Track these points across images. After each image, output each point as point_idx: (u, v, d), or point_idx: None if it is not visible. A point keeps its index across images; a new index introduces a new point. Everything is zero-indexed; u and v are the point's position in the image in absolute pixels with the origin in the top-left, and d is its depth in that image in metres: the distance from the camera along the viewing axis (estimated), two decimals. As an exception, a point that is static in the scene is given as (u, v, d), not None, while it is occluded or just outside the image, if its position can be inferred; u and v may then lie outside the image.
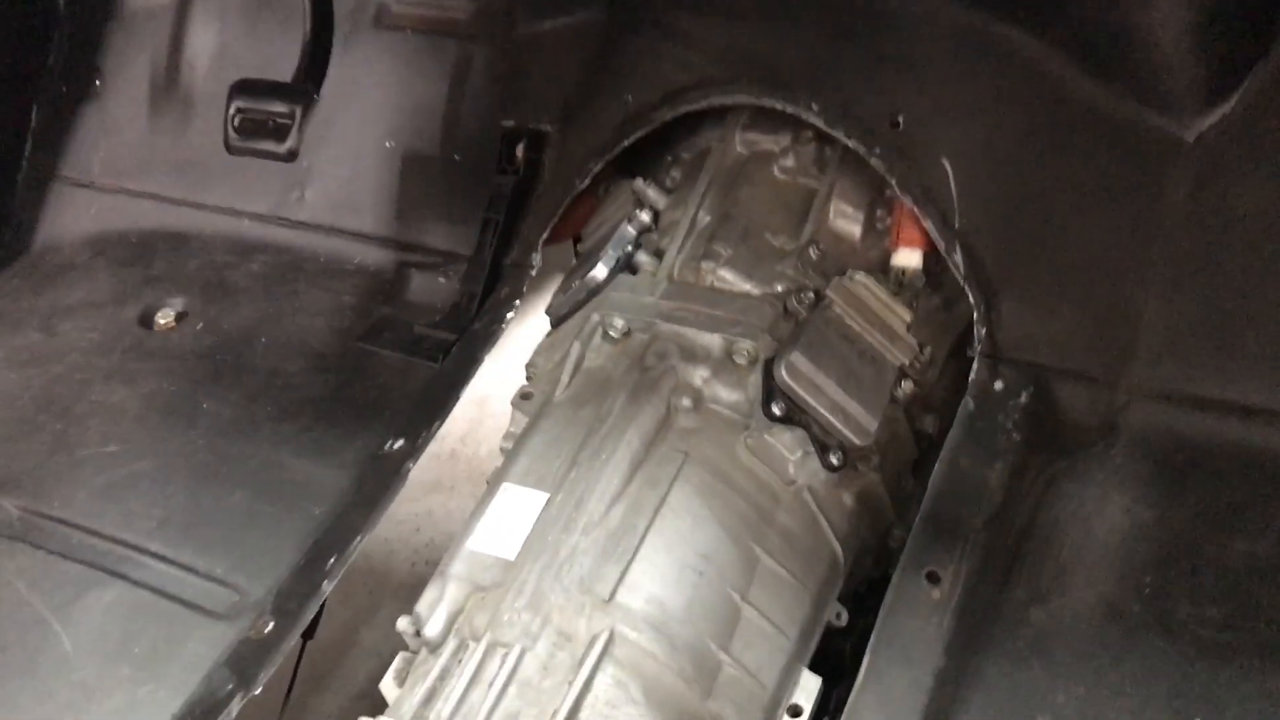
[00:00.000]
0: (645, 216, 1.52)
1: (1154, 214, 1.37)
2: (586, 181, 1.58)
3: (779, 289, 1.40)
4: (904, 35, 1.43)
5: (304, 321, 1.77)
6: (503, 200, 1.72)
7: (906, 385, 1.42)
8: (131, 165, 2.05)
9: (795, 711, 1.24)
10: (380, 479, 1.47)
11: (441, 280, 1.78)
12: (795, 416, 1.33)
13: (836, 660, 1.37)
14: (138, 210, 2.03)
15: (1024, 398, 1.36)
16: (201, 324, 1.80)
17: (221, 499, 1.52)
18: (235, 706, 1.26)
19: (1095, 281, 1.38)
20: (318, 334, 1.75)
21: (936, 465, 1.31)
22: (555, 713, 1.10)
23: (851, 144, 1.40)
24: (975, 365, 1.38)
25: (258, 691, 1.28)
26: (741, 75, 1.46)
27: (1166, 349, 1.35)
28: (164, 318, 1.84)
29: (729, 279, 1.42)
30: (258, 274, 1.87)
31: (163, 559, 1.45)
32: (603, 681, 1.13)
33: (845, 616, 1.34)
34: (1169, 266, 1.36)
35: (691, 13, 1.55)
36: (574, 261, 1.68)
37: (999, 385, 1.36)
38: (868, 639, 1.37)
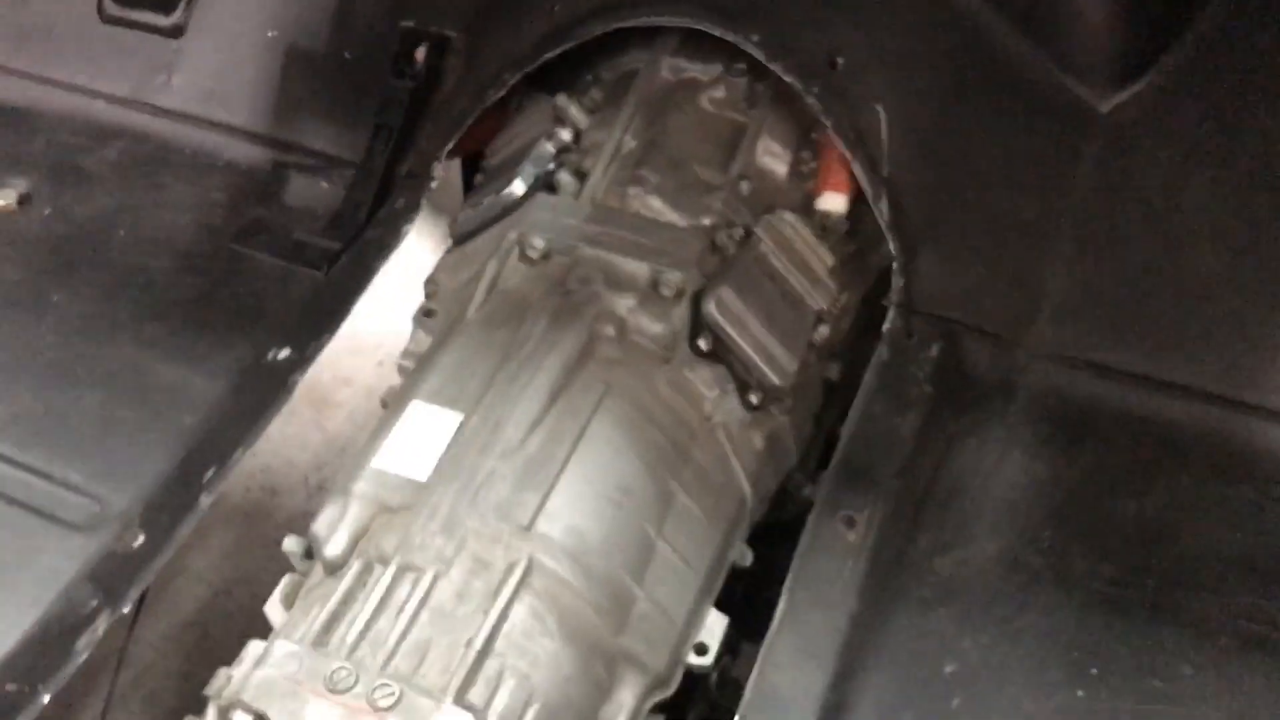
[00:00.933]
0: (566, 134, 1.46)
1: (1065, 181, 1.41)
2: (501, 92, 1.50)
3: (707, 222, 1.37)
4: None
5: (168, 217, 1.63)
6: (398, 106, 1.61)
7: (822, 330, 1.41)
8: (-39, 31, 1.83)
9: (701, 650, 1.22)
10: (262, 389, 1.37)
11: (324, 185, 1.66)
12: (719, 353, 1.30)
13: (730, 600, 1.37)
14: (-33, 80, 1.82)
15: (935, 351, 1.37)
16: (49, 210, 1.63)
17: (76, 401, 1.38)
18: (101, 624, 1.15)
19: (1007, 242, 1.41)
20: (184, 231, 1.61)
21: (851, 411, 1.31)
22: (470, 642, 1.04)
23: (789, 80, 1.37)
24: (890, 315, 1.38)
25: (126, 610, 1.17)
26: None
27: (1067, 314, 1.39)
28: (3, 199, 1.65)
29: (656, 207, 1.37)
30: (115, 161, 1.70)
31: (10, 461, 1.31)
32: (519, 611, 1.08)
33: (750, 557, 1.33)
34: (1075, 234, 1.40)
35: None
36: (478, 178, 1.59)
37: (912, 336, 1.37)
38: (762, 579, 1.38)
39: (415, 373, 1.30)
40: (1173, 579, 1.22)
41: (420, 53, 1.63)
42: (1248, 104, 1.38)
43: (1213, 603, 1.20)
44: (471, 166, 1.75)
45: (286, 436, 2.47)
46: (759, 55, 1.38)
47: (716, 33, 1.39)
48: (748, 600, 1.41)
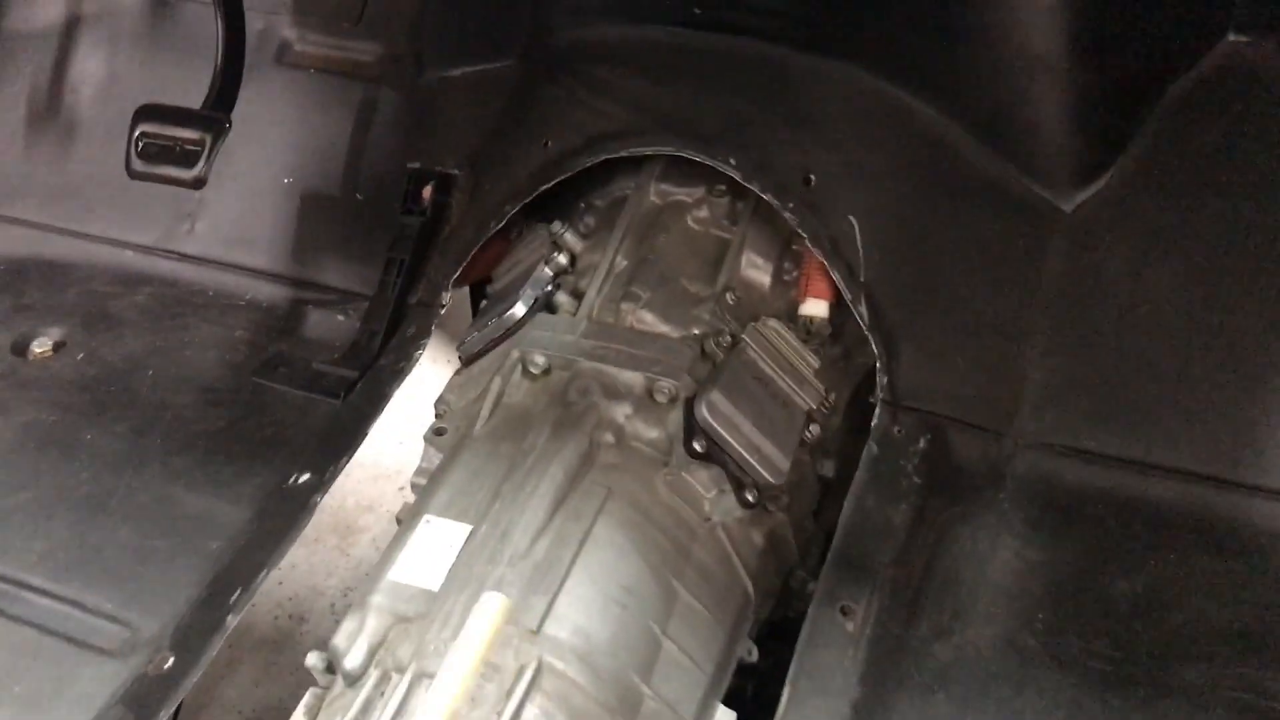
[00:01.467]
0: (562, 259, 1.55)
1: (1035, 277, 1.48)
2: (502, 224, 1.60)
3: (696, 332, 1.45)
4: (818, 99, 1.51)
5: (194, 355, 1.72)
6: (408, 240, 1.71)
7: (814, 429, 1.47)
8: (4, 191, 1.96)
9: (711, 746, 1.25)
10: (284, 512, 1.43)
11: (340, 318, 1.76)
12: (714, 454, 1.36)
13: (739, 698, 1.40)
14: (8, 237, 1.94)
15: (922, 444, 1.43)
16: (82, 354, 1.72)
17: (109, 533, 1.45)
18: None
19: (984, 338, 1.47)
20: (209, 368, 1.70)
21: (845, 504, 1.37)
22: (484, 745, 1.08)
23: (767, 198, 1.46)
24: (878, 411, 1.44)
25: (158, 729, 1.22)
26: (663, 127, 1.52)
27: (1047, 404, 1.44)
28: (40, 346, 1.75)
29: (648, 320, 1.46)
30: (143, 306, 1.81)
31: (46, 594, 1.37)
32: (530, 713, 1.12)
33: (755, 653, 1.37)
34: (1048, 326, 1.46)
35: (612, 66, 1.60)
36: (483, 304, 1.69)
37: (899, 431, 1.43)
38: (770, 677, 1.42)
39: (427, 488, 1.37)
40: (1166, 653, 1.25)
41: (428, 191, 1.74)
42: (1201, 195, 1.45)
43: (1206, 675, 1.23)
44: (477, 293, 1.84)
45: (313, 565, 2.53)
46: (736, 176, 1.48)
47: (697, 159, 1.49)
48: (757, 699, 1.44)
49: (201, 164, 1.53)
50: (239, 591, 1.34)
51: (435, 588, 1.21)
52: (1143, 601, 1.30)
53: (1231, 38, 1.48)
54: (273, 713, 2.23)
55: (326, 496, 1.47)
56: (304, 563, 2.52)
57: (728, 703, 1.31)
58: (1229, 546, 1.34)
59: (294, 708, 2.31)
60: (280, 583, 2.49)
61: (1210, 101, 1.48)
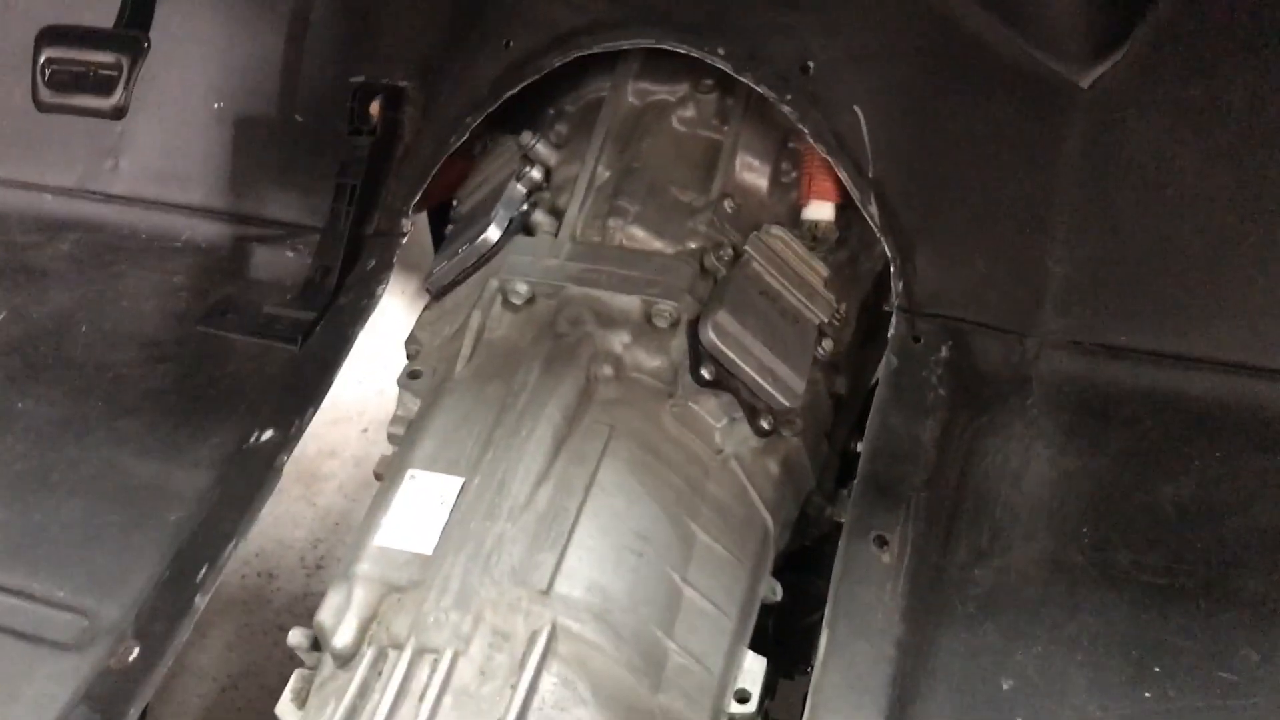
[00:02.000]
0: (536, 173, 1.40)
1: (1054, 162, 1.36)
2: (464, 138, 1.44)
3: (693, 246, 1.31)
4: None
5: (131, 306, 1.55)
6: (358, 164, 1.55)
7: (827, 344, 1.35)
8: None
9: (743, 697, 1.15)
10: (249, 475, 1.30)
11: (290, 255, 1.60)
12: (723, 380, 1.24)
13: (760, 637, 1.30)
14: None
15: (945, 352, 1.32)
16: (4, 313, 1.55)
17: (53, 511, 1.31)
18: None
19: (1003, 232, 1.36)
20: (149, 319, 1.54)
21: (868, 425, 1.26)
22: (500, 721, 0.97)
23: (761, 90, 1.32)
24: (894, 320, 1.33)
25: (132, 729, 1.09)
26: (640, 17, 1.36)
27: (1072, 298, 1.34)
28: (-45, 308, 1.58)
29: (639, 237, 1.32)
30: (69, 255, 1.63)
31: None
32: (548, 682, 1.01)
33: (780, 591, 1.26)
34: (1069, 215, 1.36)
35: None
36: (449, 229, 1.53)
37: (919, 340, 1.32)
38: (790, 610, 1.32)
39: (407, 439, 1.24)
40: (1222, 560, 1.17)
41: (375, 106, 1.58)
42: (1229, 60, 1.34)
43: (1266, 582, 1.15)
44: (440, 218, 1.69)
45: (277, 517, 2.40)
46: (727, 68, 1.33)
47: (681, 50, 1.34)
48: (779, 634, 1.35)
49: (120, 90, 1.36)
50: (205, 568, 1.21)
51: (429, 551, 1.09)
52: (1192, 507, 1.21)
53: (1256, -119, 1.36)
54: (249, 678, 2.11)
55: (287, 447, 1.33)
56: (268, 515, 2.34)
57: (752, 646, 1.22)
58: (1277, 440, 1.25)
59: (271, 670, 2.19)
60: (245, 540, 2.36)
61: (1233, -43, 1.36)
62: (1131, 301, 1.33)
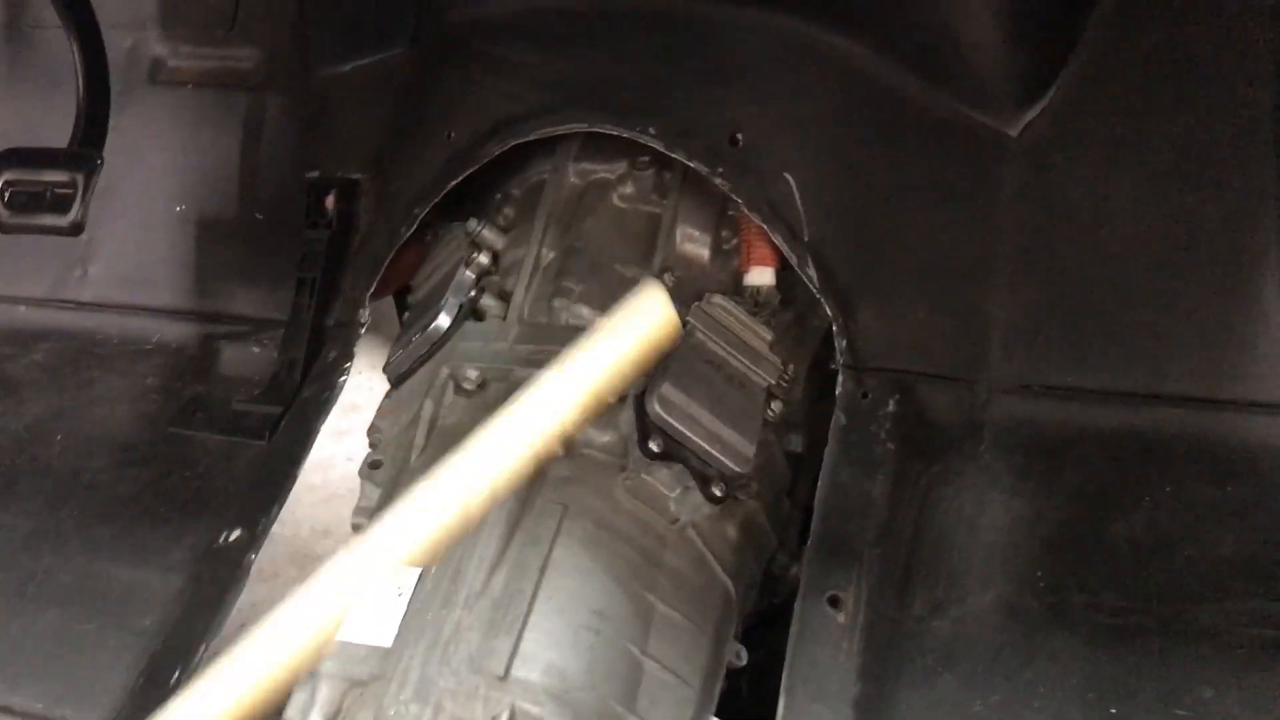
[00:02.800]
0: (483, 259, 1.43)
1: (990, 210, 1.39)
2: (413, 228, 1.48)
3: (637, 321, 1.34)
4: (735, 50, 1.40)
5: (104, 411, 1.59)
6: (317, 257, 1.59)
7: (776, 406, 1.37)
8: None
9: (710, 764, 1.17)
10: (218, 576, 1.32)
11: (256, 350, 1.64)
12: (673, 451, 1.26)
13: (734, 700, 1.32)
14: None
15: (892, 405, 1.34)
16: None
17: (30, 622, 1.33)
18: None
19: (943, 282, 1.38)
20: (122, 423, 1.57)
21: (819, 484, 1.28)
22: (463, 810, 0.99)
23: (694, 165, 1.35)
24: (840, 378, 1.35)
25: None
26: (574, 102, 1.40)
27: (1017, 342, 1.36)
28: (-66, 424, 1.62)
29: (585, 315, 1.35)
30: (43, 364, 1.67)
31: None
32: (508, 767, 1.03)
33: (745, 655, 1.28)
34: (1009, 260, 1.38)
35: (511, 42, 1.48)
36: (406, 315, 1.57)
37: (865, 396, 1.34)
38: (765, 669, 1.33)
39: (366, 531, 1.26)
40: (1176, 596, 1.18)
41: (330, 200, 1.62)
42: (1153, 99, 1.37)
43: (1221, 614, 1.16)
44: (402, 300, 1.73)
45: (275, 600, 2.41)
46: (659, 146, 1.36)
47: (614, 132, 1.38)
48: (755, 694, 1.36)
49: (76, 208, 1.40)
50: (178, 671, 1.23)
51: (388, 643, 1.11)
52: (1144, 542, 1.23)
53: (1161, -70, 1.40)
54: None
55: (279, 526, 1.36)
56: (265, 600, 2.39)
57: (721, 710, 1.23)
58: (1227, 471, 1.27)
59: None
60: (242, 625, 2.38)
61: (1148, 0, 1.39)
62: (1076, 342, 1.35)
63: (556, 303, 1.36)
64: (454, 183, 1.45)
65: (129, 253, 1.73)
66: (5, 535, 1.44)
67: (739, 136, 1.37)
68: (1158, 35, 1.38)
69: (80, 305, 1.73)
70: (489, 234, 1.46)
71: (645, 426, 1.25)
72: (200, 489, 1.46)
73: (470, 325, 1.39)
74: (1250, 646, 1.13)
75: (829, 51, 1.38)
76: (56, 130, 1.54)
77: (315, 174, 1.65)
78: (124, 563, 1.39)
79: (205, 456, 1.51)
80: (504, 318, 1.38)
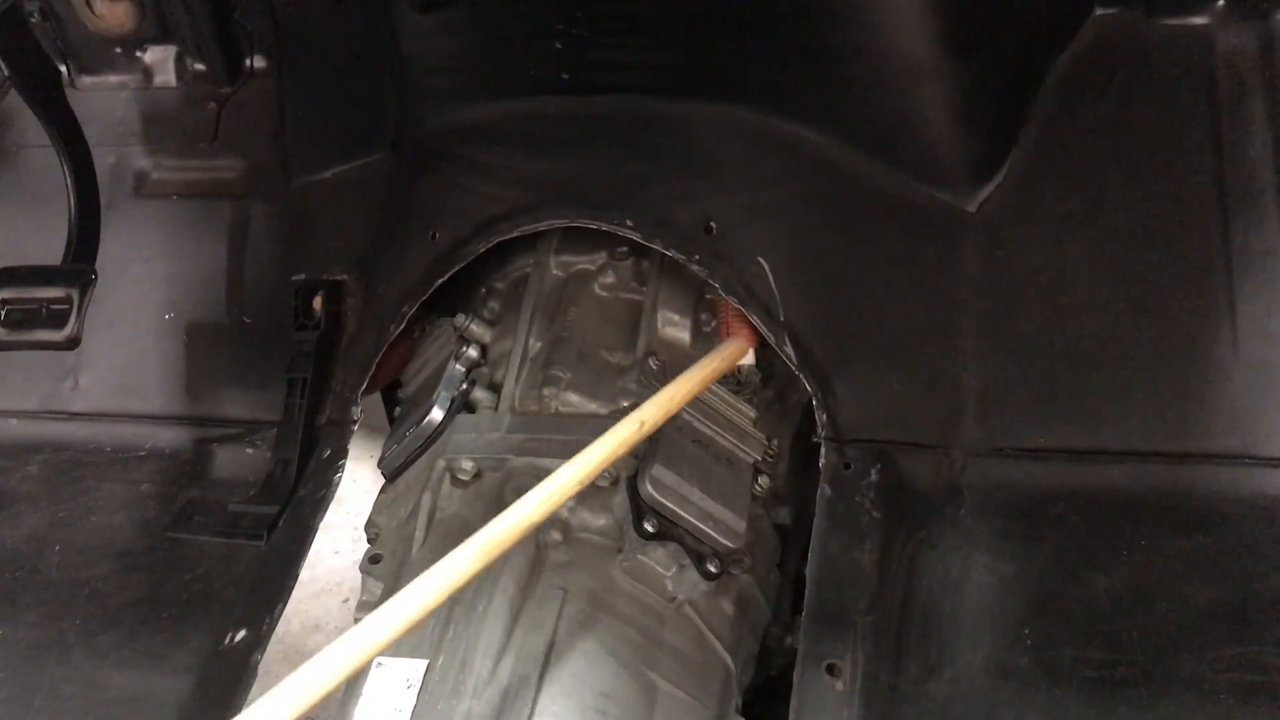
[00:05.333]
0: (472, 352, 1.48)
1: (953, 283, 1.45)
2: (401, 326, 1.53)
3: (626, 404, 1.38)
4: (704, 144, 1.47)
5: (101, 520, 1.61)
6: (307, 357, 1.63)
7: (763, 481, 1.42)
8: None
9: (719, 838, 1.19)
10: (226, 678, 1.34)
11: (250, 451, 1.67)
12: (667, 531, 1.30)
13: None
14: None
15: (874, 475, 1.39)
16: None
17: (38, 735, 1.34)
18: None
19: (914, 353, 1.44)
20: (120, 531, 1.59)
21: (809, 555, 1.32)
22: None
23: (671, 254, 1.41)
24: (823, 451, 1.40)
25: None
26: (553, 199, 1.46)
27: (989, 408, 1.42)
28: (-69, 542, 1.63)
29: (574, 401, 1.39)
30: (37, 476, 1.69)
31: None
32: None
33: (746, 728, 1.31)
34: (975, 330, 1.44)
35: (490, 145, 1.54)
36: (397, 411, 1.61)
37: (848, 467, 1.39)
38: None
39: (373, 626, 1.28)
40: (1160, 646, 1.22)
41: (318, 302, 1.67)
42: (1100, 170, 1.45)
43: (1202, 662, 1.20)
44: (391, 395, 1.76)
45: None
46: (636, 237, 1.42)
47: (593, 225, 1.44)
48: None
49: (72, 323, 1.43)
50: None
51: (401, 735, 1.13)
52: (1125, 596, 1.27)
53: (1099, 11, 1.49)
54: None
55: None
56: (258, 697, 2.39)
57: (728, 782, 1.25)
58: (1195, 521, 1.32)
59: None
60: (238, 725, 2.36)
61: (1091, 77, 1.48)
62: (1044, 404, 1.41)
63: (546, 391, 1.40)
64: (440, 281, 1.49)
65: (120, 362, 1.76)
66: (8, 648, 1.45)
67: (712, 225, 1.43)
68: (1102, 110, 1.46)
69: (73, 416, 1.76)
70: (476, 328, 1.51)
71: (639, 508, 1.29)
72: (201, 592, 1.48)
73: (463, 417, 1.43)
74: (1232, 692, 1.17)
75: (792, 141, 1.45)
76: (45, 246, 1.58)
77: (301, 276, 1.69)
78: (130, 669, 1.40)
79: (204, 559, 1.53)
80: (495, 408, 1.42)
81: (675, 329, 1.49)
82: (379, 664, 1.20)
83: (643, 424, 1.19)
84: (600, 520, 1.30)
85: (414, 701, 1.15)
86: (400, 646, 1.21)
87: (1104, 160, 1.45)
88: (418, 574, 1.27)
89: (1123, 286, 1.42)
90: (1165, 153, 1.44)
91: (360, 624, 1.08)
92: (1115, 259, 1.42)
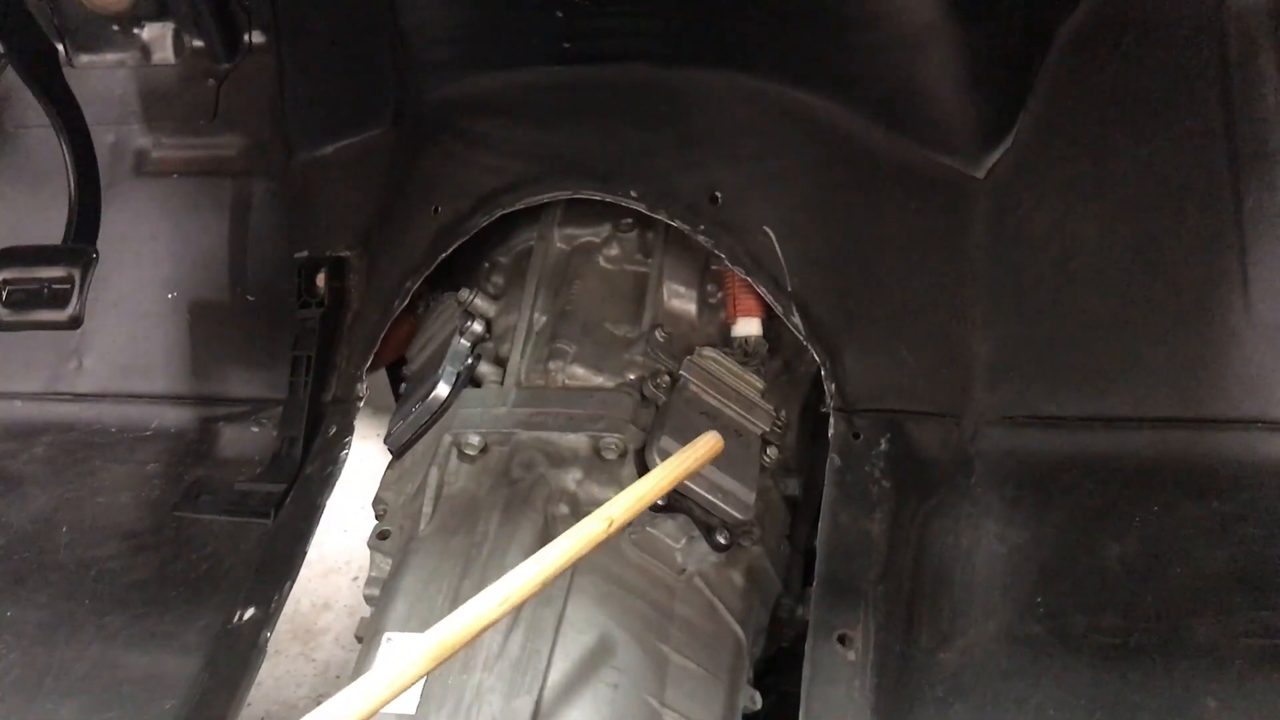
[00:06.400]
0: (477, 326, 1.47)
1: (962, 249, 1.44)
2: (405, 302, 1.51)
3: (632, 377, 1.38)
4: (708, 113, 1.45)
5: (108, 501, 1.60)
6: (311, 335, 1.62)
7: (772, 452, 1.41)
8: None
9: (732, 810, 1.19)
10: (236, 656, 1.33)
11: (255, 430, 1.66)
12: (676, 503, 1.29)
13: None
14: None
15: (884, 445, 1.38)
16: None
17: (50, 716, 1.34)
18: None
19: (924, 323, 1.43)
20: (127, 511, 1.59)
21: (819, 526, 1.31)
22: None
23: (676, 224, 1.40)
24: (832, 421, 1.39)
25: None
26: (556, 171, 1.44)
27: (999, 376, 1.41)
28: (-62, 523, 1.62)
29: (580, 375, 1.38)
30: (43, 458, 1.69)
31: None
32: (537, 826, 1.05)
33: (759, 700, 1.30)
34: (985, 297, 1.43)
35: (491, 117, 1.53)
36: (403, 387, 1.60)
37: (857, 437, 1.38)
38: (777, 714, 1.35)
39: (381, 601, 1.28)
40: (1173, 613, 1.21)
41: (321, 279, 1.65)
42: (1108, 134, 1.44)
43: (1217, 627, 1.19)
44: (395, 372, 1.75)
45: (278, 678, 2.41)
46: (640, 208, 1.41)
47: (597, 197, 1.42)
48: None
49: (74, 302, 1.43)
50: None
51: (411, 710, 1.13)
52: (1138, 563, 1.26)
53: (1106, -27, 1.47)
54: (264, 846, 2.12)
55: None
56: (269, 677, 2.40)
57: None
58: (1209, 487, 1.31)
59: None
60: (249, 704, 2.37)
61: (1099, 38, 1.47)
62: (1055, 371, 1.40)
63: (552, 364, 1.39)
64: (443, 255, 1.48)
65: (123, 342, 1.75)
66: (18, 629, 1.44)
67: (717, 195, 1.41)
68: (1110, 73, 1.44)
69: (78, 397, 1.75)
70: (481, 302, 1.50)
71: None
72: (209, 570, 1.47)
73: (469, 392, 1.42)
74: (1249, 657, 1.16)
75: (798, 109, 1.43)
76: (46, 226, 1.57)
77: (304, 254, 1.68)
78: (139, 649, 1.40)
79: (212, 538, 1.52)
80: (501, 383, 1.41)
81: (681, 301, 1.48)
82: (388, 638, 1.20)
83: (611, 522, 1.12)
84: (609, 493, 1.29)
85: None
86: (410, 621, 1.21)
87: (1113, 123, 1.44)
88: (424, 550, 1.28)
89: (1133, 251, 1.40)
90: (1175, 114, 1.42)
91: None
92: (1125, 223, 1.41)
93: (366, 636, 1.26)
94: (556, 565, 1.06)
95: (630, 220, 1.50)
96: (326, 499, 1.48)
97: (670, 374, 1.40)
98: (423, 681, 1.14)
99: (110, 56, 1.85)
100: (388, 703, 0.96)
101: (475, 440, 1.35)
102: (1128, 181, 1.42)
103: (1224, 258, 1.38)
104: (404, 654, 0.98)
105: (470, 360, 1.44)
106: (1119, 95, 1.44)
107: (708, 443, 1.26)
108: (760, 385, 1.43)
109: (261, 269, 1.72)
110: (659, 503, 1.27)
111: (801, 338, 1.39)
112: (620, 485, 1.29)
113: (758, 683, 1.34)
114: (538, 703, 1.11)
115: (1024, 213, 1.44)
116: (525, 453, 1.32)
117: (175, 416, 1.71)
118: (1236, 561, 1.24)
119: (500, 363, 1.44)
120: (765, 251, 1.40)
